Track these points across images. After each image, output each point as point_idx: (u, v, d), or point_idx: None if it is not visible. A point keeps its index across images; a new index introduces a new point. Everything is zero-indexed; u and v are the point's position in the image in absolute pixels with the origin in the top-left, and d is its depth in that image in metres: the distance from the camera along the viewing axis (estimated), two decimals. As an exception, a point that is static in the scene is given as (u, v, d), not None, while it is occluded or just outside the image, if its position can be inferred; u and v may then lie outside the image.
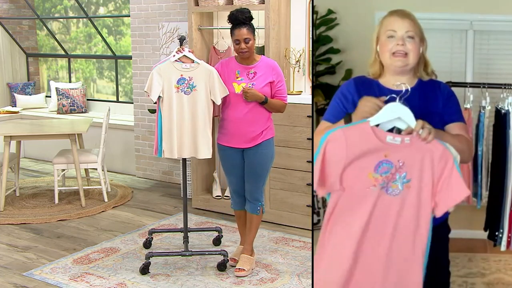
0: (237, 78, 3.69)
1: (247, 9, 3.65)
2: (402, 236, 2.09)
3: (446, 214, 2.27)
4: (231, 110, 3.69)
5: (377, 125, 2.12)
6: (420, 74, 2.29)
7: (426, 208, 2.08)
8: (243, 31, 3.59)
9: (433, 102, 2.29)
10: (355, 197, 2.10)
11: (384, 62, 2.28)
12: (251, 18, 3.64)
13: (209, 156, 3.79)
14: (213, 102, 3.74)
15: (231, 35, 3.65)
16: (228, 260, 3.92)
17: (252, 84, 3.65)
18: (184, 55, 3.76)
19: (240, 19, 3.59)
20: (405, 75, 2.27)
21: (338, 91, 2.34)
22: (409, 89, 2.16)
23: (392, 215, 2.09)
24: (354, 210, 2.10)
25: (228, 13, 3.72)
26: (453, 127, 2.32)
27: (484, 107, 2.73)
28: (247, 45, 3.60)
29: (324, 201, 3.34)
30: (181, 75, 3.74)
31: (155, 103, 3.79)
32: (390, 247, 2.10)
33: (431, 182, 2.08)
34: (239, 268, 3.81)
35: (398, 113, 2.10)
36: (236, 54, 3.73)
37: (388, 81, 2.27)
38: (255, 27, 5.08)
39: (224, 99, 3.72)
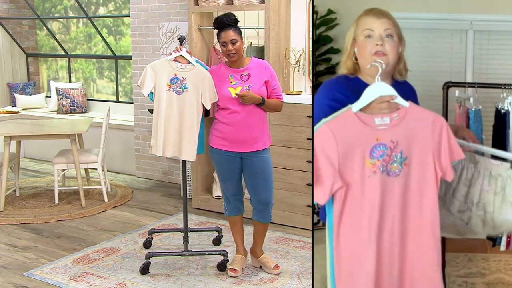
0: (232, 82, 3.63)
1: (232, 13, 3.65)
2: (413, 214, 2.06)
3: None
4: (229, 114, 3.63)
5: (360, 110, 2.07)
6: (395, 75, 2.24)
7: (430, 180, 2.06)
8: (229, 33, 3.56)
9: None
10: (360, 190, 2.04)
11: (363, 63, 2.20)
12: (237, 21, 3.63)
13: (193, 159, 3.76)
14: (203, 106, 3.72)
15: (218, 39, 3.62)
16: (228, 260, 3.92)
17: (249, 86, 3.60)
18: (181, 55, 3.76)
19: (225, 22, 3.58)
20: (385, 76, 2.21)
21: (324, 96, 2.24)
22: (384, 66, 2.11)
23: (398, 196, 2.05)
24: (363, 204, 2.04)
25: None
26: None
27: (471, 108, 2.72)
28: (234, 46, 3.56)
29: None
30: (175, 75, 3.73)
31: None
32: (403, 228, 2.07)
33: (430, 152, 2.05)
34: (275, 265, 3.85)
35: (379, 92, 2.06)
36: (226, 59, 3.71)
37: (369, 81, 2.20)
38: (255, 27, 5.12)
39: (219, 103, 3.69)
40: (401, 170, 2.05)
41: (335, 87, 2.21)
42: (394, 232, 2.07)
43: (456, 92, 2.66)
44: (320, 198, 2.05)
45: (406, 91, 2.24)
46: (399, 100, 2.09)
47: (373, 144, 2.03)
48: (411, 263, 2.09)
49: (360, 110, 2.10)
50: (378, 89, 2.07)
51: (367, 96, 2.07)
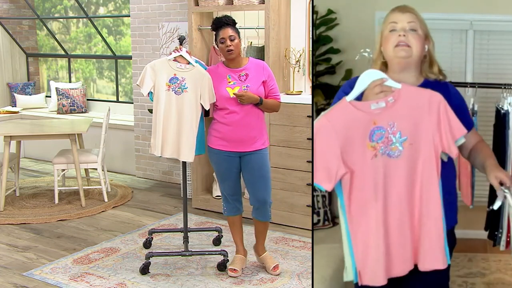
0: (230, 82, 3.63)
1: (230, 16, 3.67)
2: (418, 193, 2.11)
3: (453, 223, 2.29)
4: (227, 114, 3.63)
5: (358, 99, 2.15)
6: (426, 73, 2.27)
7: (432, 158, 2.10)
8: (228, 30, 3.57)
9: None
10: (364, 173, 2.11)
11: (388, 57, 2.25)
12: (235, 22, 3.65)
13: (191, 160, 3.75)
14: (202, 106, 3.71)
15: (216, 38, 3.63)
16: (228, 260, 3.92)
17: (247, 86, 3.60)
18: (181, 55, 3.75)
19: (224, 21, 3.60)
20: (409, 70, 2.24)
21: (341, 91, 2.33)
22: (372, 55, 2.21)
23: (402, 177, 2.10)
24: (369, 186, 2.11)
25: (228, 14, 3.72)
26: (470, 137, 2.28)
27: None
28: (232, 42, 3.56)
29: (324, 200, 3.34)
30: (174, 74, 3.73)
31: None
32: (411, 207, 2.12)
33: (430, 130, 2.10)
34: (275, 266, 3.83)
35: (370, 78, 2.14)
36: (223, 59, 3.71)
37: (392, 78, 2.24)
38: (255, 27, 5.12)
39: (217, 103, 3.68)
40: (402, 151, 2.10)
41: (349, 84, 2.28)
42: (402, 212, 2.12)
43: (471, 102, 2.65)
44: (327, 184, 2.13)
45: (443, 93, 2.20)
46: (391, 82, 2.14)
47: (371, 128, 2.11)
48: (422, 240, 2.13)
49: (358, 100, 2.18)
50: (368, 75, 2.15)
51: (359, 85, 2.15)
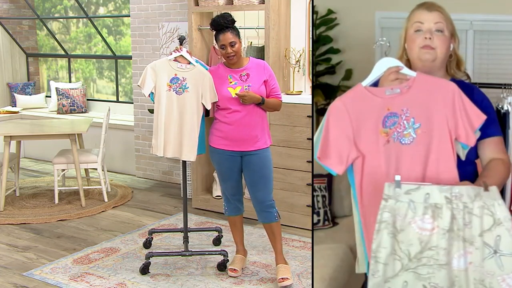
0: (231, 83, 3.62)
1: (229, 13, 3.62)
2: (432, 177, 2.07)
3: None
4: (229, 113, 3.63)
5: (374, 85, 2.15)
6: (454, 72, 2.22)
7: (446, 145, 2.07)
8: (228, 35, 3.54)
9: None
10: (376, 159, 2.10)
11: (412, 58, 2.21)
12: (234, 21, 3.60)
13: (193, 159, 3.75)
14: (203, 106, 3.71)
15: (216, 41, 3.60)
16: (228, 260, 3.92)
17: (249, 86, 3.60)
18: (181, 55, 3.75)
19: (223, 24, 3.55)
20: (434, 71, 2.21)
21: None
22: (389, 44, 2.19)
23: (414, 163, 2.07)
24: (381, 172, 2.08)
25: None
26: (489, 143, 2.17)
27: None
28: (233, 48, 3.54)
29: (324, 200, 3.33)
30: (175, 75, 3.73)
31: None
32: None
33: (444, 118, 2.07)
34: (283, 278, 3.65)
35: (386, 64, 2.15)
36: (224, 60, 3.69)
37: None
38: (255, 27, 5.12)
39: (219, 103, 3.68)
40: (415, 138, 2.08)
41: None
42: None
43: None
44: (338, 167, 2.12)
45: (467, 95, 2.13)
46: (406, 70, 2.14)
47: (385, 113, 2.10)
48: None
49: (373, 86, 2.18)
50: (384, 62, 2.16)
51: (375, 71, 2.16)
